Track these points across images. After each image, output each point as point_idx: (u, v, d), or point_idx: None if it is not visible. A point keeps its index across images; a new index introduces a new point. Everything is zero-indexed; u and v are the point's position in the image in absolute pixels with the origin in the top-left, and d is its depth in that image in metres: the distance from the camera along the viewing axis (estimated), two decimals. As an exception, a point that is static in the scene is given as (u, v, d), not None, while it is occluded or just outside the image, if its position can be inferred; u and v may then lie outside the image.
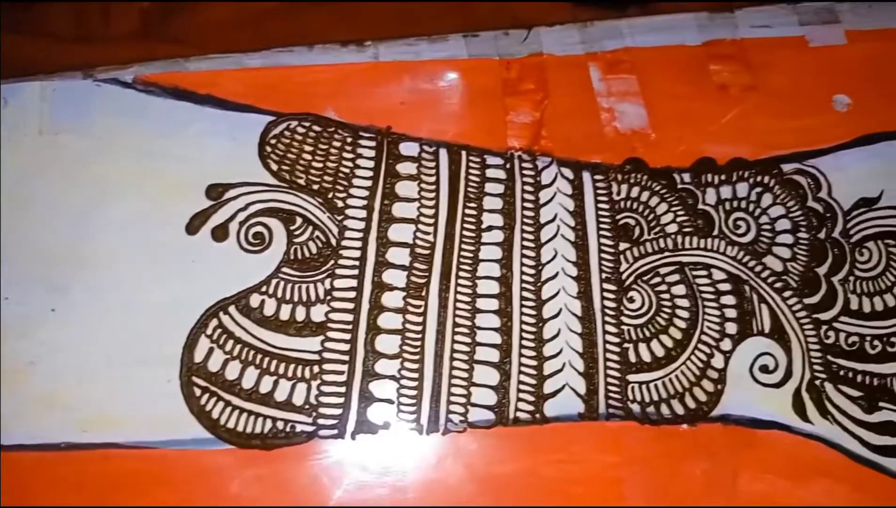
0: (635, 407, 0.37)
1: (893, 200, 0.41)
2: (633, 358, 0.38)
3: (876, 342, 0.39)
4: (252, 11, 0.67)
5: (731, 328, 0.39)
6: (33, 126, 0.40)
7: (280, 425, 0.36)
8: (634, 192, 0.40)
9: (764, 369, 0.38)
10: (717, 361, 0.38)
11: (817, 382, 0.38)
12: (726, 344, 0.38)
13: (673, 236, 0.40)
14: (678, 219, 0.40)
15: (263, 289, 0.38)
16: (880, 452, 0.38)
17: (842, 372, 0.38)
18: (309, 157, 0.40)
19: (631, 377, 0.38)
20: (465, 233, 0.39)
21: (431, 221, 0.39)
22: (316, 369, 0.37)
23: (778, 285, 0.39)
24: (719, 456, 0.37)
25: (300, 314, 0.38)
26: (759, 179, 0.41)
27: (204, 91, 0.41)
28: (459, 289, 0.38)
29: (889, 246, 0.40)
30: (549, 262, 0.39)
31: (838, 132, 0.42)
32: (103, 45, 0.65)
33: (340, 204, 0.39)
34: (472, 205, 0.40)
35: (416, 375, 0.37)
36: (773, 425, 0.38)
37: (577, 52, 0.43)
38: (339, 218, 0.39)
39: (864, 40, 0.44)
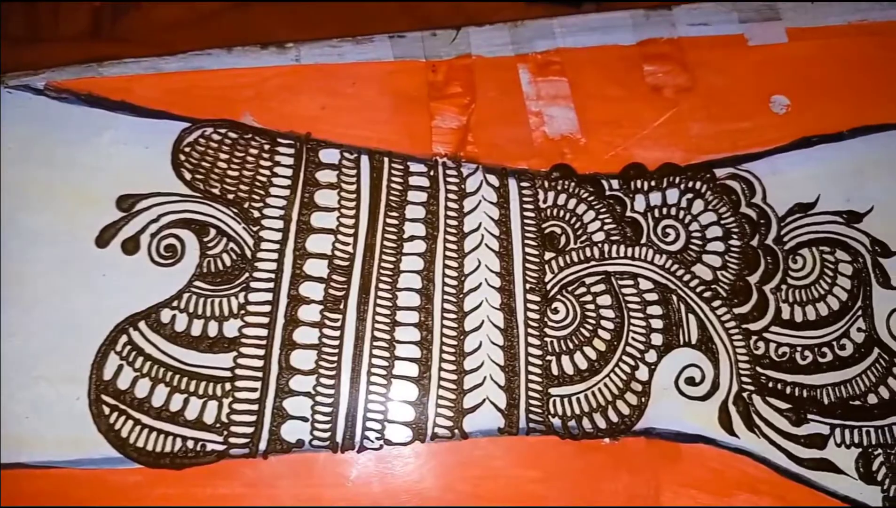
0: (556, 421, 0.37)
1: (830, 205, 0.40)
2: (555, 371, 0.37)
3: (807, 353, 0.38)
4: (201, 10, 0.65)
5: (657, 338, 0.38)
6: (-59, 136, 0.38)
7: (190, 444, 0.35)
8: (561, 199, 0.39)
9: (690, 381, 0.37)
10: (642, 373, 0.37)
11: (745, 394, 0.37)
12: (651, 356, 0.38)
13: (600, 245, 0.39)
14: (605, 227, 0.39)
15: (175, 304, 0.37)
16: (808, 465, 0.37)
17: (770, 384, 0.38)
18: (224, 165, 0.38)
19: (553, 391, 0.37)
20: (385, 243, 0.38)
21: (351, 231, 0.38)
22: (228, 386, 0.36)
23: (707, 294, 0.38)
24: (642, 471, 0.36)
25: (212, 330, 0.37)
26: (690, 184, 0.40)
27: (118, 97, 0.39)
28: (379, 302, 0.37)
29: (824, 253, 0.39)
30: (472, 272, 0.38)
31: (775, 135, 0.41)
32: (52, 45, 0.64)
33: (256, 214, 0.38)
34: (394, 214, 0.38)
35: (331, 391, 0.36)
36: (698, 438, 0.37)
37: (507, 53, 0.42)
38: (255, 229, 0.38)
39: (805, 38, 0.43)
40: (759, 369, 0.38)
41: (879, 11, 0.44)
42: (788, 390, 0.38)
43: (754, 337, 0.38)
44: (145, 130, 0.39)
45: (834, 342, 0.38)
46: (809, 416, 0.37)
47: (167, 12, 0.66)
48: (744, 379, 0.37)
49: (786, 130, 0.41)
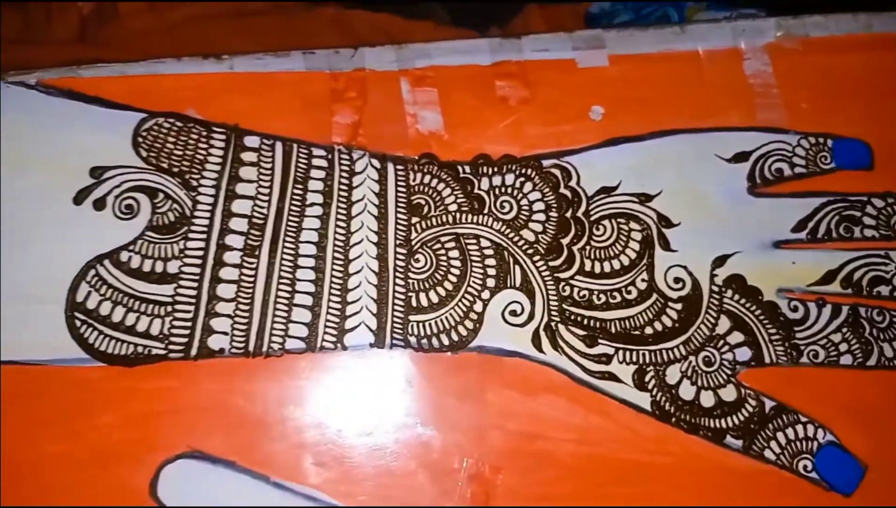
0: (413, 339, 0.50)
1: (629, 189, 0.53)
2: (414, 303, 0.50)
3: (601, 295, 0.52)
4: (167, 23, 0.79)
5: (491, 282, 0.51)
6: (-44, 119, 0.50)
7: (140, 349, 0.48)
8: (426, 179, 0.52)
9: (513, 313, 0.51)
10: (478, 306, 0.50)
11: (552, 323, 0.51)
12: (486, 294, 0.51)
13: (453, 214, 0.52)
14: (458, 201, 0.52)
15: (131, 247, 0.49)
16: (596, 376, 0.50)
17: (572, 317, 0.51)
18: (171, 146, 0.51)
19: (412, 317, 0.50)
20: (292, 208, 0.51)
21: (266, 198, 0.51)
22: (169, 308, 0.48)
23: (529, 251, 0.52)
24: (472, 375, 0.49)
25: (159, 268, 0.49)
26: (523, 171, 0.53)
27: (92, 93, 0.51)
28: (285, 250, 0.50)
29: (620, 223, 0.53)
30: (356, 231, 0.51)
31: (591, 136, 0.54)
32: (44, 47, 0.77)
33: (195, 183, 0.51)
34: (299, 187, 0.51)
35: (246, 315, 0.49)
36: (515, 354, 0.49)
37: (393, 68, 0.54)
38: (193, 194, 0.50)
39: (623, 63, 0.56)
40: (564, 306, 0.51)
41: (681, 43, 0.58)
42: (585, 321, 0.51)
43: (562, 283, 0.51)
44: (113, 118, 0.51)
45: (622, 288, 0.52)
46: (600, 341, 0.51)
47: (140, 23, 0.79)
48: (552, 313, 0.51)
49: (600, 133, 0.54)
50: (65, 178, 0.50)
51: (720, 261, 0.50)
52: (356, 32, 0.73)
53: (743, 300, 0.50)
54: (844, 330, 0.51)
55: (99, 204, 0.49)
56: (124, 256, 0.48)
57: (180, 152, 0.51)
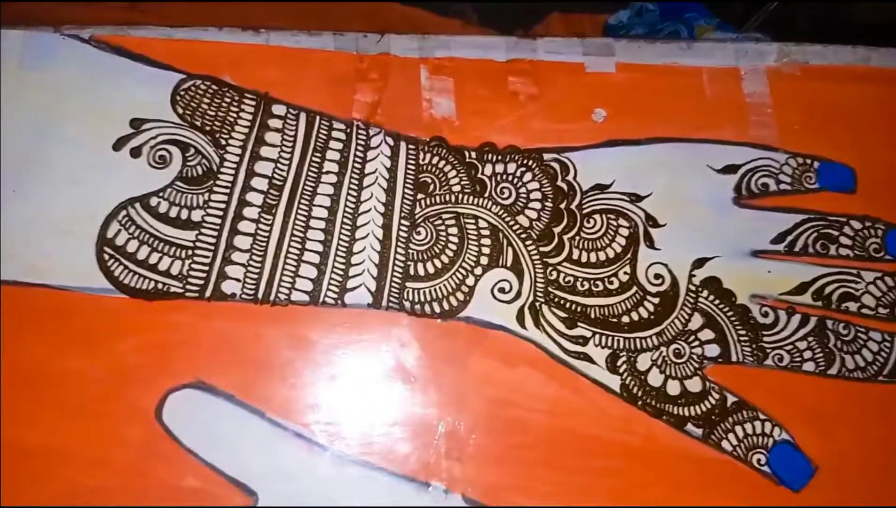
0: (407, 304, 0.54)
1: (622, 188, 0.58)
2: (412, 272, 0.55)
3: (585, 283, 0.56)
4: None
5: (484, 260, 0.55)
6: (14, 63, 0.56)
7: (160, 285, 0.52)
8: (434, 160, 0.57)
9: (501, 290, 0.55)
10: (470, 281, 0.55)
11: (537, 303, 0.55)
12: (478, 271, 0.55)
13: (456, 194, 0.57)
14: (462, 183, 0.57)
15: (160, 194, 0.54)
16: (572, 356, 0.54)
17: (556, 299, 0.55)
18: (206, 106, 0.56)
19: (408, 284, 0.54)
20: (309, 173, 0.56)
21: (287, 162, 0.56)
22: (190, 252, 0.53)
23: (523, 235, 0.56)
24: (459, 342, 0.53)
25: (184, 215, 0.54)
26: (524, 162, 0.58)
27: (139, 51, 0.57)
28: (299, 211, 0.55)
29: (609, 219, 0.57)
30: (366, 200, 0.56)
31: (591, 136, 0.58)
32: (97, 7, 0.82)
33: (224, 142, 0.55)
34: (318, 155, 0.56)
35: (258, 266, 0.53)
36: (500, 327, 0.54)
37: (415, 56, 0.59)
38: (221, 152, 0.55)
39: (628, 71, 0.60)
40: (549, 289, 0.55)
41: (686, 58, 0.62)
42: (568, 305, 0.55)
43: (550, 267, 0.56)
44: (155, 76, 0.56)
45: (605, 278, 0.56)
46: (579, 324, 0.55)
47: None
48: (538, 294, 0.55)
49: (600, 133, 0.59)
50: (107, 126, 0.55)
51: (700, 263, 0.54)
52: (388, 23, 0.78)
53: (717, 301, 0.54)
54: (810, 339, 0.55)
55: (135, 152, 0.54)
56: (154, 201, 0.53)
57: (213, 113, 0.55)
